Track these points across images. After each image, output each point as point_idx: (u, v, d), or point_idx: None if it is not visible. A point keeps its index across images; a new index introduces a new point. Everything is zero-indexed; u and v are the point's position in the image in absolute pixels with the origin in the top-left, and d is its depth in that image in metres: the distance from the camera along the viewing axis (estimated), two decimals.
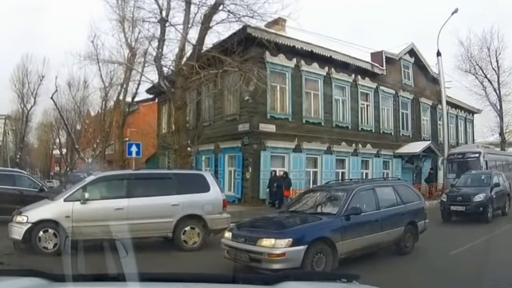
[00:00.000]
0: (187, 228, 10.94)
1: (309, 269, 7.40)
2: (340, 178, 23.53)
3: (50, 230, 9.94)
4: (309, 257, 7.58)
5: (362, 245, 8.64)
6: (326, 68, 24.59)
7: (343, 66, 25.14)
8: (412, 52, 30.88)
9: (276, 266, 7.33)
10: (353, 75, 26.13)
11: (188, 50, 18.41)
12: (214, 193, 11.47)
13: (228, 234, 8.61)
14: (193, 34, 18.04)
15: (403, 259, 9.58)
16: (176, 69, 18.26)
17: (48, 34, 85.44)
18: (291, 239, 7.52)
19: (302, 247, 7.53)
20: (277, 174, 21.47)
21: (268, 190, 21.11)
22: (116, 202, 10.39)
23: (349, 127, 25.94)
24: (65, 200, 10.35)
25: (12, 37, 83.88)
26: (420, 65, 31.63)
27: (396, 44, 30.71)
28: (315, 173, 24.17)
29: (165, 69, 19.03)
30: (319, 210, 9.29)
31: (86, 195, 10.31)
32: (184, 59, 18.21)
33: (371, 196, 9.50)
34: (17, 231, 9.91)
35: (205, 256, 10.04)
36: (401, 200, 10.15)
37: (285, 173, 21.62)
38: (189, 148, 18.21)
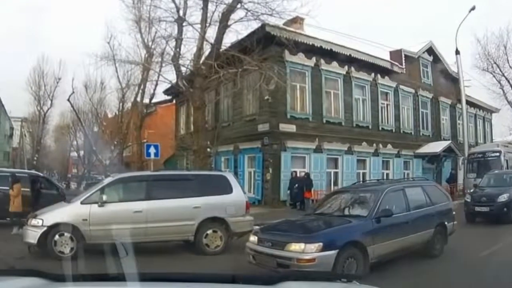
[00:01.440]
0: (209, 231, 10.48)
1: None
2: (361, 178, 23.02)
3: (66, 234, 9.51)
4: (340, 262, 7.11)
5: (393, 248, 8.17)
6: (346, 67, 24.00)
7: (363, 65, 24.53)
8: (430, 50, 30.06)
9: None
10: (372, 74, 25.49)
11: (206, 49, 18.03)
12: (237, 195, 11.01)
13: (253, 238, 8.17)
14: (211, 33, 17.80)
15: (434, 261, 9.13)
16: (194, 68, 17.87)
17: (63, 35, 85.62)
18: (321, 244, 7.08)
19: (333, 252, 7.09)
20: (298, 175, 20.88)
21: (289, 191, 20.50)
22: (135, 205, 9.97)
23: (370, 127, 25.28)
24: (82, 203, 9.95)
25: (26, 39, 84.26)
26: (438, 64, 30.74)
27: (410, 43, 29.65)
28: (336, 174, 23.59)
29: (183, 69, 18.70)
30: (347, 212, 8.92)
31: (104, 197, 9.90)
32: (203, 58, 17.82)
33: (401, 197, 9.06)
34: (32, 235, 9.49)
35: (228, 261, 9.58)
36: (430, 200, 9.73)
37: (307, 173, 21.04)
38: (208, 149, 17.78)
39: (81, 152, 50.34)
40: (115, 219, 9.46)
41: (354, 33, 48.46)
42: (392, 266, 8.03)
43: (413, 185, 10.55)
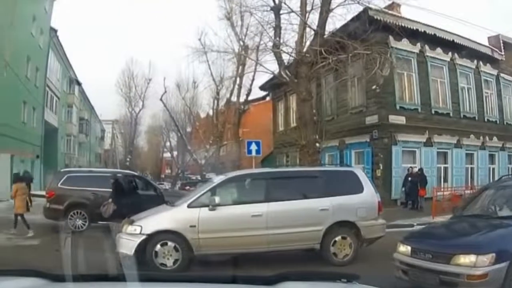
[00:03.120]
0: (338, 238, 7.99)
1: None
2: (470, 174, 19.42)
3: (169, 243, 7.35)
4: (509, 275, 5.10)
5: None
6: (450, 54, 19.78)
7: (464, 51, 20.05)
8: None
9: None
10: (475, 61, 20.99)
11: (309, 36, 15.16)
12: (368, 194, 8.41)
13: (404, 248, 5.97)
14: (312, 19, 14.99)
15: None
16: (298, 57, 14.75)
17: (152, 35, 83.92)
18: (494, 254, 5.09)
19: (504, 264, 5.10)
20: (412, 171, 16.76)
21: (403, 188, 16.80)
22: (253, 208, 7.74)
23: (476, 118, 20.81)
24: (189, 206, 7.71)
25: (113, 43, 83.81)
26: None
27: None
28: (445, 169, 19.40)
29: (285, 58, 15.69)
30: (502, 213, 6.48)
31: (216, 199, 7.61)
32: (306, 46, 14.91)
33: None
34: (128, 245, 7.18)
35: (363, 273, 6.25)
36: None
37: (421, 169, 17.17)
38: (317, 144, 14.42)
39: (175, 153, 47.27)
40: (230, 225, 7.53)
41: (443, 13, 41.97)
42: None
43: None
